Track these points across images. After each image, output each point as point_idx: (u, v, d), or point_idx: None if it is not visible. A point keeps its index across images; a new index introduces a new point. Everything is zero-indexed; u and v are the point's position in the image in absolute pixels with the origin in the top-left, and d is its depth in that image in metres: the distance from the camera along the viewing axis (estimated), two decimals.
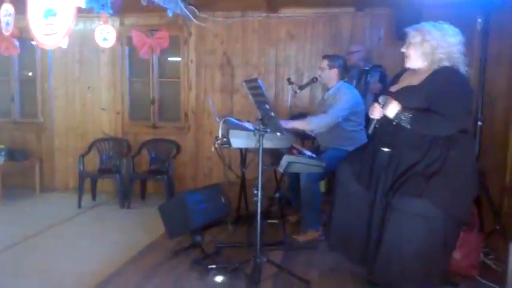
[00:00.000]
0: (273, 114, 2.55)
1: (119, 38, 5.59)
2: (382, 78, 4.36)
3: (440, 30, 2.38)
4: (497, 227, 3.03)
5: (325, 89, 3.87)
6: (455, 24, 3.81)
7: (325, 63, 3.70)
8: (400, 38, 4.81)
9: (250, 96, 2.85)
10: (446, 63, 2.36)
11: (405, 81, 2.52)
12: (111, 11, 3.43)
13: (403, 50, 2.50)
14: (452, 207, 2.27)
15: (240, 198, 3.89)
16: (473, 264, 2.92)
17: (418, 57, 2.42)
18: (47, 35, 1.89)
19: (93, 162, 5.70)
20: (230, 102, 5.50)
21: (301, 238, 3.55)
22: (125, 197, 5.32)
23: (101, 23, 4.53)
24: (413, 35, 2.43)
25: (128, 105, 5.83)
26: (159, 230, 3.59)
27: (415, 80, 2.43)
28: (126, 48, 5.71)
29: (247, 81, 2.78)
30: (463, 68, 2.37)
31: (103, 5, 3.25)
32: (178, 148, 5.65)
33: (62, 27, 1.92)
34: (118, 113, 5.82)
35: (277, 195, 3.66)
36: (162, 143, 5.69)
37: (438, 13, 4.38)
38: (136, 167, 5.55)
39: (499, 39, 3.26)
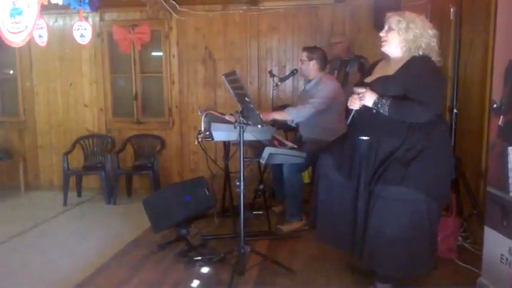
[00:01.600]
0: (252, 106, 2.59)
1: (99, 34, 5.59)
2: (361, 69, 4.41)
3: (421, 20, 2.41)
4: (474, 212, 3.11)
5: (307, 80, 3.91)
6: (432, 14, 3.89)
7: (304, 55, 3.74)
8: (379, 28, 4.89)
9: (229, 89, 2.88)
10: (421, 53, 2.40)
11: (379, 72, 2.56)
12: (88, 8, 3.42)
13: (382, 34, 2.49)
14: (433, 188, 2.33)
15: (225, 191, 3.92)
16: (452, 248, 3.01)
17: (398, 44, 2.42)
18: (14, 33, 1.91)
19: (77, 159, 5.67)
20: (213, 96, 5.52)
21: (285, 228, 3.61)
22: (110, 193, 5.32)
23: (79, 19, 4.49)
24: (399, 21, 2.40)
25: (110, 102, 5.80)
26: (145, 225, 3.62)
27: (389, 70, 2.46)
28: (107, 44, 5.67)
29: (226, 75, 2.81)
30: (435, 58, 2.42)
31: (80, 2, 3.24)
32: (163, 143, 5.66)
33: (28, 24, 1.96)
34: (101, 109, 5.79)
35: (261, 186, 3.71)
36: (146, 139, 5.69)
37: (416, 4, 4.48)
38: (121, 163, 5.54)
39: (472, 27, 3.32)
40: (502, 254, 2.34)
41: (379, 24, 4.68)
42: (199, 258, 3.04)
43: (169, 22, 5.46)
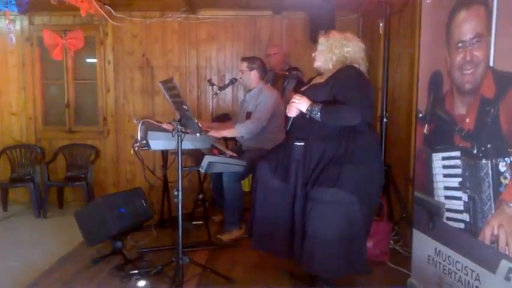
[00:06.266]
0: (190, 114, 2.57)
1: (28, 38, 5.30)
2: (298, 87, 4.48)
3: (343, 35, 2.66)
4: (404, 216, 3.28)
5: (247, 90, 3.93)
6: (363, 28, 4.09)
7: (244, 65, 3.77)
8: (314, 41, 5.04)
9: (167, 97, 2.84)
10: (347, 63, 2.59)
11: (313, 82, 2.75)
12: (15, 9, 3.22)
13: (313, 54, 2.74)
14: (363, 192, 2.45)
15: (163, 201, 3.84)
16: (384, 251, 3.15)
17: (324, 60, 2.66)
18: None
19: (3, 171, 5.30)
20: (151, 104, 5.40)
21: (225, 237, 3.59)
22: (40, 206, 5.01)
23: (7, 22, 4.22)
24: (321, 40, 2.69)
25: (40, 109, 5.49)
26: (78, 239, 3.45)
27: (322, 79, 2.66)
28: (37, 49, 5.37)
29: (163, 82, 2.76)
30: (363, 67, 2.64)
31: (7, 3, 3.05)
32: (98, 153, 5.43)
33: None
34: (30, 117, 5.46)
35: (200, 196, 3.67)
36: (79, 148, 5.43)
37: (348, 18, 4.69)
38: (53, 175, 5.25)
39: (399, 41, 3.53)
40: (428, 255, 2.48)
41: (314, 37, 4.86)
42: (136, 271, 2.94)
43: (105, 28, 5.29)
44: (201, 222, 3.89)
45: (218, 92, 4.02)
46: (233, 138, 4.22)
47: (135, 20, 5.22)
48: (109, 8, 4.94)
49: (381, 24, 3.31)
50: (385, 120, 3.30)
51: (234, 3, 5.05)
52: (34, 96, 5.44)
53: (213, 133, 3.40)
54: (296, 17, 5.21)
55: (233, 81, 4.00)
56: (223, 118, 4.50)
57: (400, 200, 3.31)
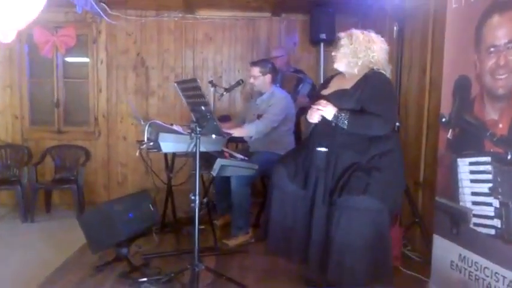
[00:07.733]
0: (212, 116, 2.47)
1: (17, 35, 5.05)
2: (312, 92, 4.41)
3: (367, 36, 2.55)
4: (416, 220, 3.26)
5: (258, 93, 3.85)
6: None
7: (256, 70, 3.66)
8: (314, 44, 5.01)
9: (182, 98, 2.73)
10: (374, 68, 2.51)
11: (335, 85, 2.62)
12: None
13: (334, 53, 2.61)
14: (390, 198, 2.41)
15: (167, 205, 3.71)
16: (397, 256, 3.12)
17: (347, 63, 2.54)
18: None
19: None
20: (145, 105, 5.25)
21: (232, 242, 3.50)
22: (27, 210, 4.78)
23: None
24: (343, 40, 2.56)
25: (28, 109, 5.26)
26: (71, 245, 3.32)
27: (346, 84, 2.53)
28: (26, 46, 5.14)
29: (180, 82, 2.66)
30: (387, 72, 2.56)
31: None
32: (88, 154, 5.23)
33: None
34: (17, 117, 5.22)
35: (205, 200, 3.56)
36: (68, 149, 5.22)
37: (350, 21, 4.68)
38: (40, 177, 5.03)
39: (411, 45, 3.53)
40: (452, 261, 2.46)
41: (314, 39, 4.84)
42: (145, 279, 2.81)
43: (98, 26, 5.11)
44: (203, 227, 3.78)
45: (224, 93, 3.90)
46: (237, 140, 4.13)
47: (130, 19, 5.07)
48: (104, 5, 4.78)
49: (395, 28, 3.29)
50: (397, 124, 3.28)
51: (232, 4, 4.96)
52: (21, 94, 5.21)
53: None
54: (295, 19, 5.17)
55: (240, 83, 3.89)
56: (224, 120, 4.40)
57: (411, 204, 3.29)
